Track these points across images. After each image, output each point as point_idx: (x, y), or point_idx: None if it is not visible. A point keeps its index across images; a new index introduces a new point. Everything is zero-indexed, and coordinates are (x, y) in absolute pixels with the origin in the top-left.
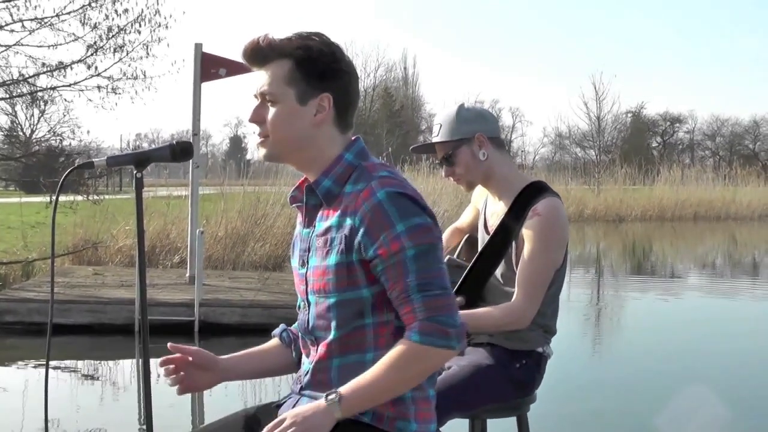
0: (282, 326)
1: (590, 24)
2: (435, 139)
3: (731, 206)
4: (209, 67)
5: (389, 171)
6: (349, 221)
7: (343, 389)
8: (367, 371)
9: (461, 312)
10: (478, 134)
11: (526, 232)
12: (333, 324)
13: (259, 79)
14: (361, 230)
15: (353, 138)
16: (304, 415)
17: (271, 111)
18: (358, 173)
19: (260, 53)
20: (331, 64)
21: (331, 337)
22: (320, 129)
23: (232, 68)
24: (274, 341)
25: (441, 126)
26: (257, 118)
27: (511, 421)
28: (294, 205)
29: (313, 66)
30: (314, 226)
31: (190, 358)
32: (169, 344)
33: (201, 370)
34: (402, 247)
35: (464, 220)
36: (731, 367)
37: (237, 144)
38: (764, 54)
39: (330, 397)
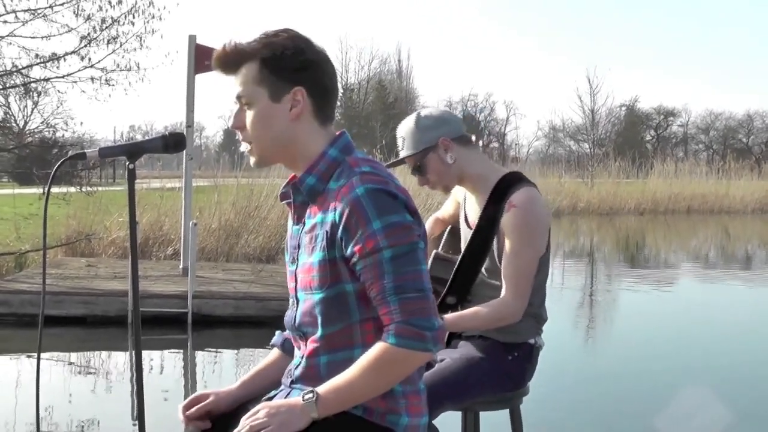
0: (279, 334)
1: (585, 17)
2: (401, 154)
3: (724, 200)
4: (203, 59)
5: (372, 166)
6: (330, 217)
7: (321, 389)
8: (345, 371)
9: (452, 314)
10: (441, 139)
11: (506, 226)
12: (319, 321)
13: (234, 85)
14: (341, 226)
15: (339, 132)
16: (280, 409)
17: (249, 114)
18: (342, 169)
19: (229, 60)
20: (297, 57)
21: (318, 334)
22: (299, 123)
23: None
24: (276, 352)
25: (404, 139)
26: (238, 123)
27: (504, 414)
28: (284, 202)
29: (280, 62)
30: (303, 223)
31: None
32: (186, 414)
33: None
34: (378, 247)
35: (446, 210)
36: (724, 356)
37: (231, 136)
38: (758, 48)
39: (307, 397)
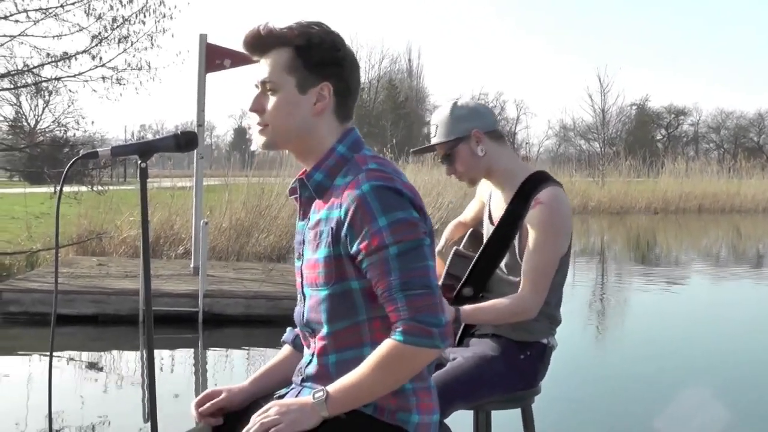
0: (290, 331)
1: (595, 16)
2: (433, 140)
3: (735, 199)
4: (214, 58)
5: (379, 163)
6: (335, 214)
7: (331, 388)
8: (354, 370)
9: (468, 306)
10: (474, 131)
11: (530, 222)
12: (325, 317)
13: (259, 68)
14: (346, 223)
15: (348, 129)
16: (290, 407)
17: (271, 100)
18: (349, 166)
19: (260, 42)
20: (332, 52)
21: (325, 331)
22: (320, 118)
23: (237, 59)
24: (287, 349)
25: (437, 126)
26: (257, 107)
27: (516, 412)
28: (292, 197)
29: (314, 54)
30: (308, 219)
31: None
32: (199, 410)
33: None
34: (383, 243)
35: (468, 213)
36: (735, 357)
37: (241, 135)
38: None
39: (317, 395)
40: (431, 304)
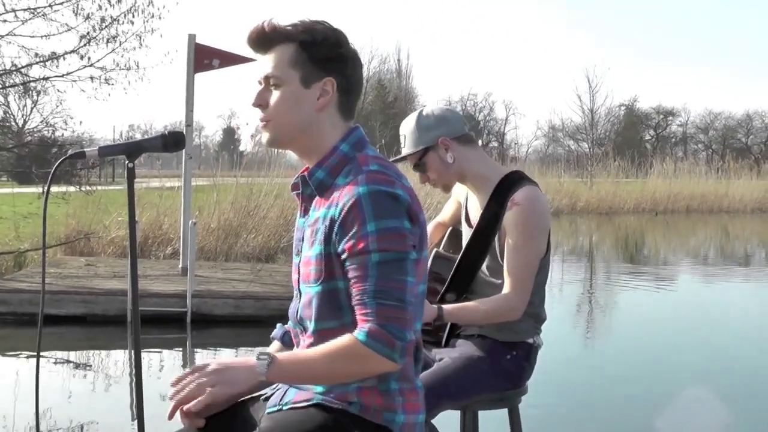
0: (279, 327)
1: (584, 17)
2: (403, 151)
3: (724, 199)
4: (202, 58)
5: (381, 165)
6: (331, 212)
7: (280, 356)
8: (309, 349)
9: (453, 305)
10: (441, 139)
11: (508, 224)
12: (314, 314)
13: (263, 64)
14: (338, 222)
15: (352, 127)
16: (228, 366)
17: (275, 94)
18: (351, 165)
19: (265, 38)
20: (336, 48)
21: (312, 328)
22: (323, 114)
23: (226, 59)
24: (275, 345)
25: (405, 137)
26: (260, 101)
27: (503, 412)
28: (293, 193)
29: (318, 49)
30: (308, 216)
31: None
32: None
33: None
34: (367, 248)
35: (446, 213)
36: (722, 356)
37: (230, 135)
38: (757, 48)
39: (262, 357)
40: (401, 318)
